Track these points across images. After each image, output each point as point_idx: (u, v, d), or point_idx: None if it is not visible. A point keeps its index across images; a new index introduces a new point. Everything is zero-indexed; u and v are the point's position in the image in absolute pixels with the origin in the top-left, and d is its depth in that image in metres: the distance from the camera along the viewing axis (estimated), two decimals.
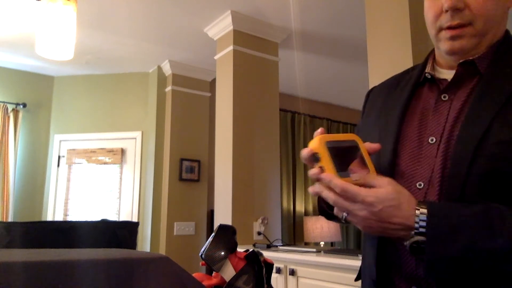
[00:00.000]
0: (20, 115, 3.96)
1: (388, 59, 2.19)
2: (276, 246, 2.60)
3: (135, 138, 4.10)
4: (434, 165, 0.71)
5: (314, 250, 2.21)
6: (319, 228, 3.93)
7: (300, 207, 4.54)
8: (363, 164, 0.69)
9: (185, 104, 4.03)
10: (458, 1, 0.71)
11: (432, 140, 0.73)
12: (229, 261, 0.80)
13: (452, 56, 0.76)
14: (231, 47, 3.09)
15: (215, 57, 3.30)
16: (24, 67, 4.06)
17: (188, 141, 4.00)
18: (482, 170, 0.65)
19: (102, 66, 4.07)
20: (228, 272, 0.79)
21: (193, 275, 0.69)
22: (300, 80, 4.25)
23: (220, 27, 3.17)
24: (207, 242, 0.84)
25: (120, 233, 0.89)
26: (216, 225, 2.83)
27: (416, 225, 0.63)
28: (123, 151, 4.09)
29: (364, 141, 0.74)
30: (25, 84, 4.12)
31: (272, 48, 3.30)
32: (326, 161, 0.67)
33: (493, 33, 0.74)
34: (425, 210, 0.63)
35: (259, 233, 2.94)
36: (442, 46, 0.76)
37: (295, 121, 4.76)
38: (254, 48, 3.19)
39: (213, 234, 0.85)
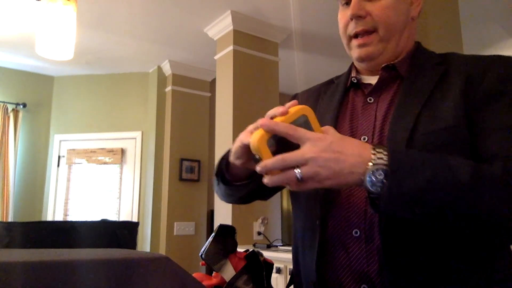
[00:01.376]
0: (20, 115, 3.96)
1: None
2: (276, 246, 2.60)
3: (135, 138, 4.10)
4: None
5: None
6: None
7: None
8: None
9: (185, 104, 4.03)
10: (359, 9, 0.77)
11: (364, 138, 0.77)
12: (229, 261, 0.80)
13: (362, 62, 0.83)
14: (231, 47, 3.09)
15: (215, 57, 3.30)
16: (24, 67, 4.06)
17: (188, 141, 4.00)
18: None
19: (102, 66, 4.07)
20: (228, 272, 0.79)
21: (193, 275, 0.69)
22: (300, 80, 4.25)
23: (220, 27, 3.17)
24: (207, 242, 0.84)
25: (120, 233, 0.89)
26: (216, 225, 2.83)
27: (374, 157, 0.61)
28: (123, 151, 4.09)
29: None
30: (25, 84, 4.12)
31: (272, 48, 3.30)
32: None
33: (396, 39, 0.80)
34: (382, 150, 0.62)
35: (259, 233, 2.94)
36: (353, 54, 0.83)
37: None
38: (254, 48, 3.19)
39: (213, 234, 0.85)
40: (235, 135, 3.26)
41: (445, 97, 0.72)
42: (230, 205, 2.89)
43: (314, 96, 0.93)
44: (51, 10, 1.97)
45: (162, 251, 3.72)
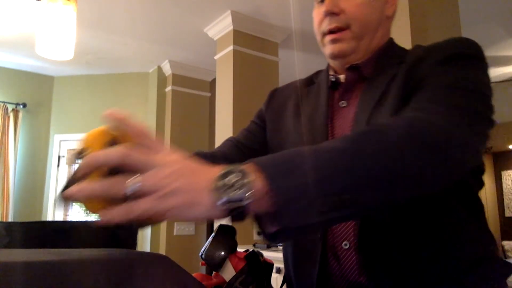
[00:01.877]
0: (20, 115, 3.96)
1: None
2: (276, 246, 2.60)
3: None
4: None
5: None
6: None
7: None
8: None
9: (185, 104, 4.03)
10: (333, 6, 0.76)
11: None
12: (229, 261, 0.80)
13: (334, 59, 0.81)
14: (231, 47, 3.09)
15: (215, 57, 3.30)
16: (24, 67, 4.06)
17: (188, 141, 4.00)
18: None
19: (102, 66, 4.07)
20: (228, 272, 0.79)
21: (193, 275, 0.69)
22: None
23: (220, 27, 3.17)
24: (207, 242, 0.84)
25: (120, 233, 0.89)
26: (216, 225, 2.83)
27: (221, 172, 0.44)
28: None
29: (289, 139, 0.80)
30: (25, 84, 4.12)
31: (272, 48, 3.30)
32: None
33: (370, 37, 0.78)
34: (233, 167, 0.45)
35: (259, 233, 2.93)
36: (326, 50, 0.81)
37: None
38: (254, 48, 3.19)
39: (213, 234, 0.85)
40: (235, 135, 3.22)
41: (392, 94, 0.70)
42: None
43: (294, 96, 0.89)
44: (51, 10, 1.97)
45: (162, 251, 3.72)
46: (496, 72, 4.19)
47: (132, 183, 0.43)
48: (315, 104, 0.83)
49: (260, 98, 3.21)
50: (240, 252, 0.84)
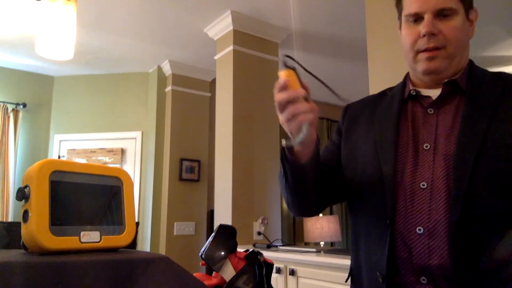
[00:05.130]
0: (20, 115, 3.96)
1: (388, 59, 2.19)
2: (276, 246, 2.60)
3: (135, 138, 4.10)
4: (433, 168, 0.83)
5: (314, 250, 2.21)
6: (319, 228, 3.93)
7: None
8: None
9: (185, 104, 4.03)
10: (433, 27, 0.85)
11: (426, 146, 0.85)
12: (229, 261, 0.80)
13: (427, 75, 0.89)
14: (231, 47, 3.09)
15: (215, 57, 3.30)
16: (24, 67, 4.06)
17: (188, 141, 3.99)
18: (484, 170, 0.77)
19: (102, 66, 4.07)
20: (228, 272, 0.79)
21: (193, 275, 0.69)
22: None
23: (220, 27, 3.17)
24: (207, 242, 0.84)
25: None
26: (216, 225, 2.83)
27: None
28: (123, 151, 4.09)
29: (359, 151, 0.94)
30: (25, 84, 4.12)
31: (272, 48, 3.29)
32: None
33: (460, 57, 0.89)
34: None
35: (259, 233, 2.94)
36: (420, 66, 0.89)
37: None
38: (254, 48, 3.19)
39: (213, 234, 0.85)
40: (235, 135, 3.24)
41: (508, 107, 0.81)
42: (230, 205, 2.89)
43: (369, 107, 1.01)
44: (51, 10, 1.97)
45: (162, 251, 3.72)
46: None
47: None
48: (386, 113, 0.95)
49: (260, 98, 3.22)
50: (240, 252, 0.84)
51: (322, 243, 3.94)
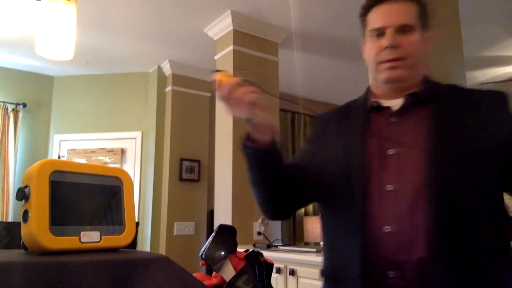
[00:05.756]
0: (20, 115, 3.96)
1: None
2: (276, 246, 2.60)
3: (135, 138, 4.10)
4: (398, 172, 0.91)
5: (314, 250, 2.21)
6: (319, 228, 3.93)
7: None
8: None
9: (185, 104, 4.03)
10: (395, 41, 0.95)
11: (391, 152, 0.93)
12: (229, 261, 0.80)
13: (389, 84, 0.99)
14: (231, 47, 3.09)
15: (215, 57, 3.30)
16: (24, 67, 4.06)
17: (188, 141, 3.99)
18: (451, 172, 0.86)
19: (102, 66, 4.07)
20: (228, 272, 0.79)
21: (193, 275, 0.69)
22: (300, 80, 4.24)
23: (220, 27, 3.17)
24: (207, 242, 0.84)
25: None
26: (216, 225, 2.83)
27: None
28: (123, 151, 4.09)
29: (329, 157, 1.01)
30: (25, 84, 4.11)
31: (272, 48, 3.29)
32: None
33: (417, 69, 0.98)
34: None
35: (259, 233, 2.93)
36: (382, 75, 0.98)
37: (295, 121, 4.76)
38: (254, 48, 3.19)
39: (213, 234, 0.85)
40: (235, 135, 3.24)
41: (476, 119, 0.90)
42: (230, 205, 2.89)
43: (337, 117, 1.10)
44: (51, 10, 1.97)
45: (162, 251, 3.72)
46: (496, 72, 4.18)
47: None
48: (352, 124, 1.03)
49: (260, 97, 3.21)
50: (240, 252, 0.84)
51: (322, 243, 3.93)
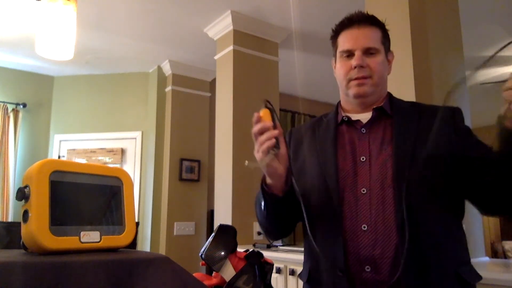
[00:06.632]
0: (20, 115, 3.96)
1: None
2: (276, 246, 2.60)
3: (135, 138, 4.10)
4: (370, 176, 1.02)
5: None
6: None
7: None
8: None
9: (185, 104, 4.03)
10: (362, 62, 1.07)
11: (363, 159, 1.05)
12: (229, 261, 0.80)
13: (357, 98, 1.11)
14: (231, 47, 3.09)
15: (215, 57, 3.30)
16: (24, 67, 4.06)
17: (188, 141, 3.99)
18: (415, 175, 0.97)
19: (102, 66, 4.07)
20: (228, 272, 0.79)
21: (193, 275, 0.69)
22: (300, 80, 4.24)
23: (220, 27, 3.17)
24: (207, 242, 0.84)
25: None
26: (216, 225, 2.83)
27: None
28: (123, 151, 4.09)
29: (307, 168, 1.12)
30: (25, 84, 4.11)
31: (272, 48, 3.29)
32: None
33: (381, 86, 1.12)
34: None
35: (259, 233, 2.93)
36: (351, 91, 1.10)
37: (295, 121, 4.76)
38: (254, 48, 3.19)
39: (213, 234, 0.85)
40: (235, 135, 3.24)
41: (429, 131, 1.00)
42: (230, 205, 2.89)
43: (310, 131, 1.20)
44: (51, 10, 1.97)
45: (162, 251, 3.72)
46: (496, 72, 4.18)
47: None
48: (324, 137, 1.14)
49: (260, 98, 3.21)
50: (240, 252, 0.84)
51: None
